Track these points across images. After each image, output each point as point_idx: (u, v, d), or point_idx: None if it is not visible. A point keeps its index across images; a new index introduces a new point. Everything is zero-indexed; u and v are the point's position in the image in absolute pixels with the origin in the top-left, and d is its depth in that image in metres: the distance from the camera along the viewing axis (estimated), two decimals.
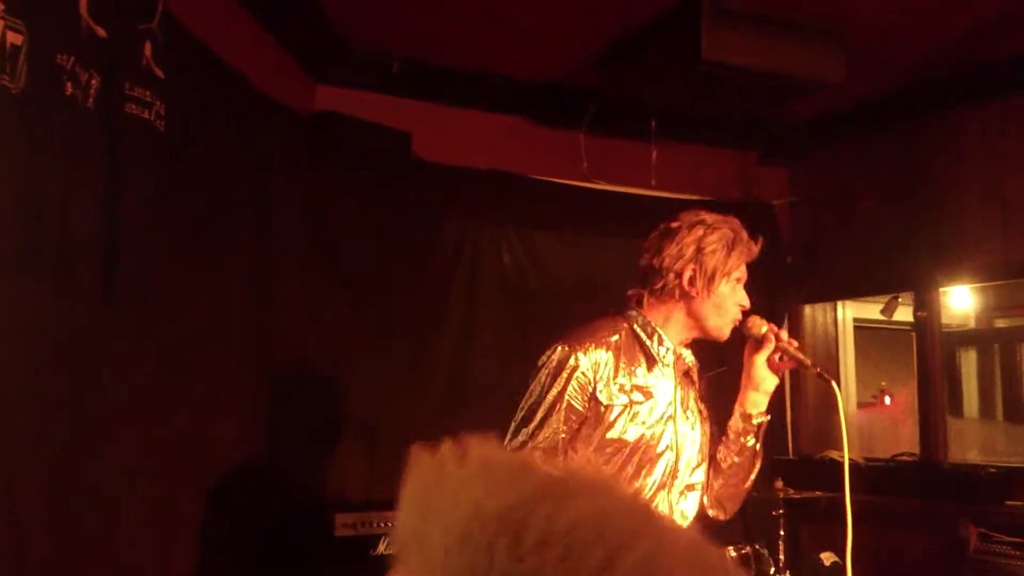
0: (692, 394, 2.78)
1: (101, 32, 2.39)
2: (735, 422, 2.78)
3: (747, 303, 2.72)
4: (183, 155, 3.07)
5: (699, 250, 2.66)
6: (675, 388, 2.70)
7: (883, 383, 6.96)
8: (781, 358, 2.79)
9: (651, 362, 2.66)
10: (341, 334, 4.52)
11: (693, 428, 2.74)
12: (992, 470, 4.94)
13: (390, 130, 4.59)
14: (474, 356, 4.87)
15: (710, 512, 2.82)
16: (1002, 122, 4.96)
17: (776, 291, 5.86)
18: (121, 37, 2.50)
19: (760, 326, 2.74)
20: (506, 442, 2.60)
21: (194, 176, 3.19)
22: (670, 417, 2.67)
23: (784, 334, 2.74)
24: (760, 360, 2.76)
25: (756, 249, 2.75)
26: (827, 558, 4.64)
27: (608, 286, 5.08)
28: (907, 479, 5.22)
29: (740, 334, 2.78)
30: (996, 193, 4.94)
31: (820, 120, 5.56)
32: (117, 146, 2.59)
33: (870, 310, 6.00)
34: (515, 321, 4.90)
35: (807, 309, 5.99)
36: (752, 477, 2.82)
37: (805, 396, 5.89)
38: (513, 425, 2.62)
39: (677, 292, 2.67)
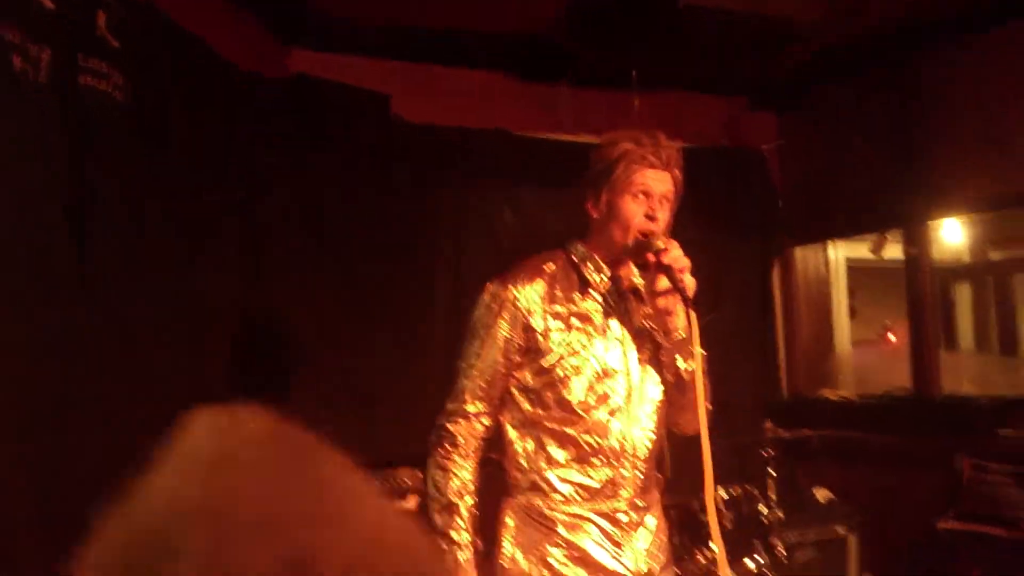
0: (640, 312, 2.75)
1: (49, 3, 2.40)
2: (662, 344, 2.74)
3: (655, 213, 2.60)
4: (148, 127, 3.07)
5: (597, 169, 2.66)
6: (616, 311, 2.70)
7: (887, 321, 6.97)
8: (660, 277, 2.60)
9: (586, 287, 2.68)
10: (329, 301, 4.51)
11: (640, 348, 2.72)
12: (984, 400, 4.97)
13: (368, 92, 4.59)
14: (467, 318, 4.87)
15: (675, 429, 2.82)
16: (989, 56, 4.92)
17: (767, 234, 5.88)
18: (71, 8, 2.50)
19: (654, 245, 2.56)
20: (457, 377, 2.68)
21: (162, 148, 3.18)
22: (615, 339, 2.68)
23: (670, 256, 2.52)
24: (647, 280, 2.68)
25: (661, 156, 2.61)
26: (821, 495, 4.69)
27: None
28: (900, 413, 5.25)
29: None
30: (988, 125, 4.92)
31: (809, 64, 5.52)
32: (74, 119, 2.58)
33: (863, 249, 6.00)
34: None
35: (798, 251, 6.00)
36: (693, 398, 2.57)
37: (798, 336, 5.91)
38: (459, 363, 2.70)
39: (593, 213, 2.69)
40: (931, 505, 4.64)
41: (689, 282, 2.52)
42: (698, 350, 2.57)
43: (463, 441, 2.65)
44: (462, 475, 2.63)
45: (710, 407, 2.58)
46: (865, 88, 5.53)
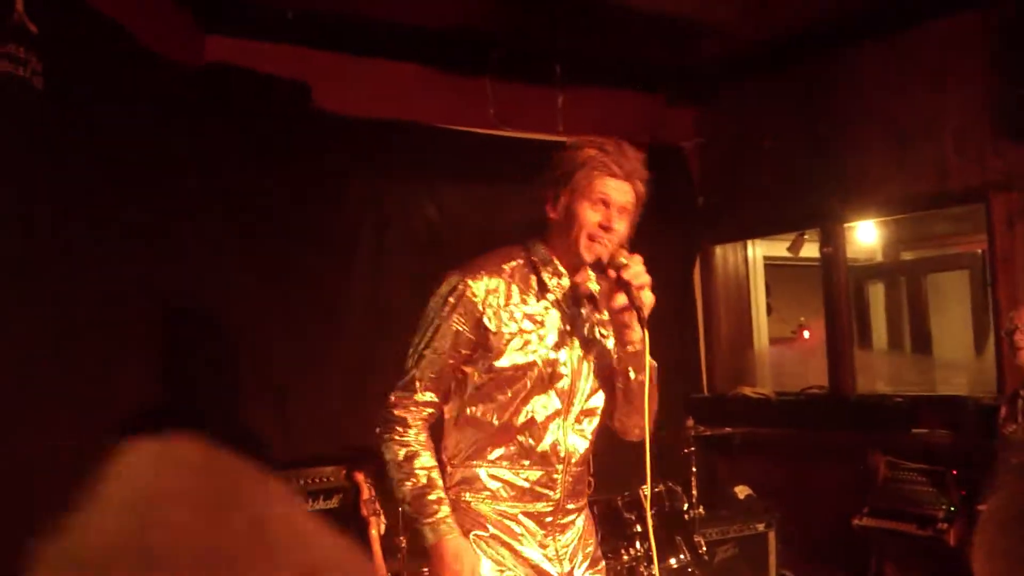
0: (592, 320, 2.76)
1: None
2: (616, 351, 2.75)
3: (611, 223, 2.57)
4: (64, 113, 2.96)
5: (559, 171, 2.64)
6: (568, 317, 2.70)
7: (802, 318, 7.08)
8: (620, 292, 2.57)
9: (543, 290, 2.68)
10: (247, 295, 4.41)
11: (588, 355, 2.72)
12: (898, 399, 5.07)
13: (287, 81, 4.49)
14: (387, 312, 4.81)
15: (620, 434, 2.82)
16: (898, 58, 5.02)
17: (687, 232, 5.92)
18: None
19: (616, 258, 2.54)
20: (407, 365, 2.66)
21: (79, 135, 3.08)
22: (564, 345, 2.68)
23: (630, 272, 2.50)
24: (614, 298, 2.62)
25: (625, 166, 2.58)
26: (741, 491, 4.73)
27: (520, 235, 5.08)
28: (817, 411, 5.33)
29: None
30: (894, 127, 5.02)
31: (726, 61, 5.58)
32: None
33: (781, 248, 6.09)
34: (425, 275, 4.83)
35: (718, 249, 6.05)
36: (640, 405, 2.62)
37: (719, 334, 5.97)
38: (410, 350, 2.67)
39: (551, 214, 2.68)
40: (847, 502, 4.72)
41: (647, 299, 2.50)
42: (648, 361, 2.57)
43: (413, 424, 2.62)
44: (423, 451, 2.60)
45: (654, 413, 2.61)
46: (779, 87, 5.60)
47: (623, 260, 2.52)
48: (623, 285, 2.50)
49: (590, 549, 2.82)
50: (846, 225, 5.53)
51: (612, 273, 2.53)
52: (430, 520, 2.55)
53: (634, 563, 3.86)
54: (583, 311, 2.74)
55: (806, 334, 6.96)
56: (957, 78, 4.76)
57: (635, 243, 5.89)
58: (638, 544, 3.90)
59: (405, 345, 3.88)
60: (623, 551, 3.86)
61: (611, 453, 4.59)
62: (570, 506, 2.73)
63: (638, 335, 2.56)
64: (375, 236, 4.89)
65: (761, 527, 4.60)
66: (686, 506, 4.24)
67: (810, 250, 5.75)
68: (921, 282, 6.58)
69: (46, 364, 2.92)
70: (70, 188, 3.07)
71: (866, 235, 6.49)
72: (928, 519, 4.32)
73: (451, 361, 2.62)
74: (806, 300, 6.47)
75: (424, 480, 2.58)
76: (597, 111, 5.66)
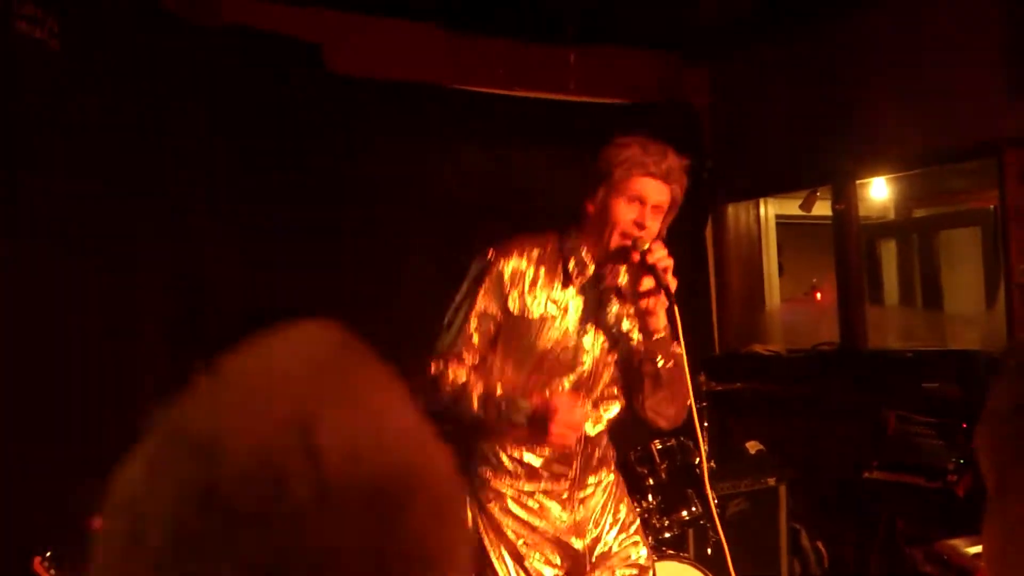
0: (614, 310, 2.81)
1: None
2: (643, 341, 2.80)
3: (644, 220, 2.63)
4: (82, 74, 3.00)
5: (598, 168, 2.70)
6: (592, 304, 2.77)
7: (814, 279, 7.10)
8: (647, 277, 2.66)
9: (568, 277, 2.74)
10: (263, 257, 4.45)
11: (610, 344, 2.80)
12: (909, 354, 5.10)
13: (301, 42, 4.51)
14: (404, 274, 4.84)
15: (651, 423, 2.88)
16: (914, 14, 5.00)
17: (700, 190, 5.93)
18: None
19: (641, 245, 2.62)
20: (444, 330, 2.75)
21: (95, 95, 3.12)
22: (586, 332, 2.76)
23: (655, 256, 2.58)
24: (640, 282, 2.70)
25: (659, 169, 2.65)
26: (752, 447, 4.78)
27: (533, 194, 5.11)
28: (828, 367, 5.36)
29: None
30: (909, 83, 5.01)
31: (741, 19, 5.55)
32: (8, 65, 2.52)
33: (793, 206, 6.10)
34: (443, 236, 4.87)
35: (730, 208, 6.07)
36: (668, 394, 2.76)
37: (730, 292, 6.00)
38: (446, 318, 2.76)
39: (588, 207, 2.73)
40: (857, 455, 4.76)
41: (672, 282, 2.59)
42: (682, 346, 2.67)
43: (453, 373, 2.67)
44: (469, 380, 2.65)
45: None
46: (794, 43, 5.58)
47: (645, 244, 2.60)
48: (648, 268, 2.59)
49: (621, 515, 2.92)
50: (858, 182, 5.53)
51: (636, 257, 2.62)
52: (508, 408, 2.60)
53: (646, 515, 3.92)
54: (610, 302, 2.81)
55: (818, 296, 6.99)
56: (972, 34, 4.74)
57: None
58: (650, 497, 3.96)
59: (420, 308, 3.96)
60: (636, 503, 3.92)
61: (623, 410, 4.66)
62: (590, 480, 2.84)
63: (663, 322, 2.66)
64: (390, 196, 4.92)
65: (772, 481, 4.65)
66: (697, 460, 4.29)
67: (822, 208, 5.76)
68: (933, 239, 6.59)
69: (59, 317, 2.97)
70: (85, 147, 3.11)
71: (878, 192, 6.49)
72: (938, 471, 4.36)
73: (477, 333, 2.71)
74: (818, 260, 6.49)
75: (479, 390, 2.63)
76: (609, 69, 5.66)
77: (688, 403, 2.78)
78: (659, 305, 2.62)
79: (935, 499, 4.37)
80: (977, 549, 3.60)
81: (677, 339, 2.71)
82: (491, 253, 2.73)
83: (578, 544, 2.79)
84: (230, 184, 4.34)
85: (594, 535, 2.83)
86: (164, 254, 3.82)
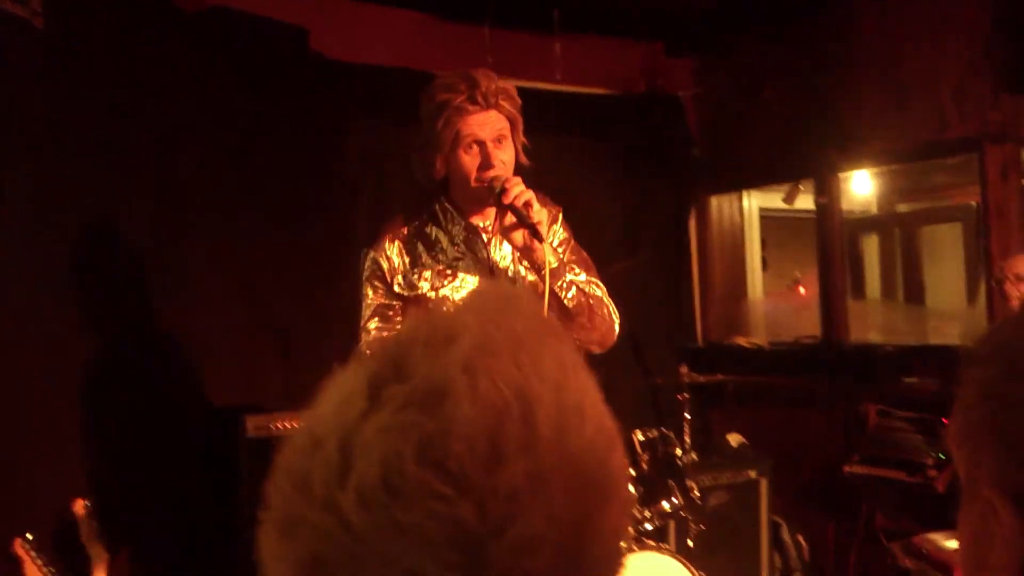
0: (501, 256, 2.75)
1: None
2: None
3: (490, 159, 2.54)
4: (65, 54, 2.96)
5: (424, 129, 2.60)
6: (472, 257, 2.73)
7: (797, 273, 7.11)
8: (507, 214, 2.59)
9: (451, 244, 2.72)
10: (249, 240, 4.43)
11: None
12: (890, 349, 5.12)
13: (286, 25, 4.47)
14: None
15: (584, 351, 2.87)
16: (898, 8, 5.01)
17: (683, 182, 5.93)
18: None
19: (495, 186, 2.54)
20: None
21: (78, 76, 3.09)
22: (477, 283, 2.73)
23: (511, 196, 2.49)
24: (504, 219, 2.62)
25: (478, 102, 2.52)
26: (734, 439, 4.79)
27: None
28: (809, 360, 5.38)
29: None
30: (893, 78, 5.02)
31: (725, 10, 5.55)
32: None
33: (776, 199, 6.11)
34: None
35: (713, 200, 6.07)
36: (585, 320, 2.67)
37: (713, 284, 6.00)
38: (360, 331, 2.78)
39: (437, 175, 2.65)
40: (838, 450, 4.78)
41: (538, 214, 2.49)
42: (550, 260, 2.52)
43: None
44: None
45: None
46: (779, 36, 5.58)
47: (504, 186, 2.50)
48: (509, 208, 2.49)
49: None
50: (841, 176, 5.54)
51: (493, 202, 2.55)
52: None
53: None
54: (492, 249, 2.75)
55: (801, 290, 7.00)
56: (957, 29, 4.75)
57: (632, 192, 5.94)
58: (631, 488, 3.96)
59: None
60: None
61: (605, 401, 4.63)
62: None
63: (542, 255, 2.53)
64: (375, 184, 4.90)
65: (753, 474, 4.66)
66: (679, 452, 4.29)
67: (805, 202, 5.77)
68: (915, 234, 6.62)
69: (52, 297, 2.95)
70: (69, 127, 3.08)
71: (861, 187, 6.51)
72: (918, 466, 4.39)
73: (386, 332, 2.67)
74: (800, 254, 6.50)
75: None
76: (595, 59, 5.65)
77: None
78: (531, 238, 2.51)
79: (915, 493, 4.39)
80: (956, 543, 3.63)
81: (566, 267, 2.64)
82: (367, 250, 2.74)
83: None
84: (214, 164, 4.31)
85: None
86: (145, 235, 3.79)
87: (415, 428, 0.61)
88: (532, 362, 0.66)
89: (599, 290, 2.72)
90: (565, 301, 2.64)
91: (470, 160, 2.54)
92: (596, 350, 2.79)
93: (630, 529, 3.85)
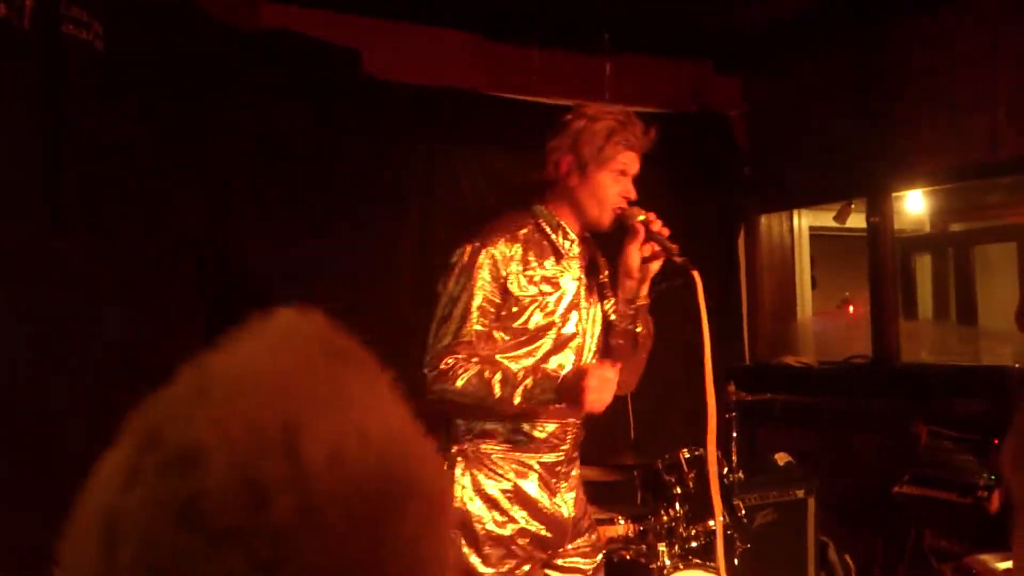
0: (599, 282, 2.94)
1: None
2: (619, 308, 2.88)
3: (631, 194, 2.79)
4: (125, 77, 3.06)
5: (575, 141, 2.73)
6: (581, 277, 2.87)
7: (847, 293, 7.07)
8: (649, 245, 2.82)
9: (558, 255, 2.79)
10: (299, 257, 4.51)
11: (597, 315, 2.92)
12: (942, 369, 5.07)
13: (339, 48, 4.56)
14: (433, 276, 4.87)
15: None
16: (951, 25, 4.98)
17: (733, 201, 5.92)
18: None
19: (636, 216, 2.78)
20: (429, 342, 2.75)
21: (138, 98, 3.18)
22: (575, 305, 2.84)
23: (657, 225, 2.75)
24: (631, 248, 2.81)
25: (640, 140, 2.78)
26: (781, 458, 4.76)
27: (519, 200, 5.12)
28: (859, 380, 5.33)
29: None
30: (946, 97, 4.99)
31: (775, 28, 5.55)
32: (55, 67, 2.58)
33: (827, 218, 6.08)
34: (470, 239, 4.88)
35: (763, 218, 6.05)
36: (639, 360, 2.95)
37: (762, 303, 5.98)
38: (433, 326, 2.78)
39: (559, 182, 2.79)
40: (887, 470, 4.74)
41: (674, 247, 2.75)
42: (704, 313, 2.79)
43: (468, 364, 2.68)
44: (479, 365, 2.68)
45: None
46: (829, 55, 5.57)
47: (642, 216, 2.74)
48: (653, 237, 2.73)
49: (583, 498, 3.04)
50: (894, 195, 5.51)
51: (640, 227, 2.74)
52: (535, 386, 2.64)
53: (673, 523, 3.92)
54: (597, 274, 2.90)
55: (850, 309, 6.96)
56: (1010, 46, 4.71)
57: (682, 210, 5.94)
58: (677, 505, 3.96)
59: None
60: (663, 512, 3.93)
61: (652, 420, 4.65)
62: (575, 455, 2.97)
63: (646, 289, 2.82)
64: (424, 201, 4.96)
65: (800, 493, 4.64)
66: (725, 470, 4.29)
67: (857, 221, 5.74)
68: (968, 253, 6.55)
69: (111, 296, 3.03)
70: (128, 148, 3.17)
71: (914, 206, 6.46)
72: (969, 487, 4.33)
73: (483, 329, 2.73)
74: (850, 273, 6.47)
75: (497, 375, 2.64)
76: (643, 78, 5.67)
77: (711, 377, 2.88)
78: (649, 272, 2.77)
79: (965, 514, 4.34)
80: (1008, 564, 3.57)
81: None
82: (476, 243, 2.77)
83: (566, 513, 2.89)
84: (268, 183, 4.40)
85: (575, 515, 2.94)
86: (203, 250, 3.88)
87: (171, 496, 0.60)
88: (301, 392, 0.65)
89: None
90: (639, 335, 2.88)
91: (614, 186, 2.76)
92: (620, 394, 2.88)
93: (675, 547, 3.86)
